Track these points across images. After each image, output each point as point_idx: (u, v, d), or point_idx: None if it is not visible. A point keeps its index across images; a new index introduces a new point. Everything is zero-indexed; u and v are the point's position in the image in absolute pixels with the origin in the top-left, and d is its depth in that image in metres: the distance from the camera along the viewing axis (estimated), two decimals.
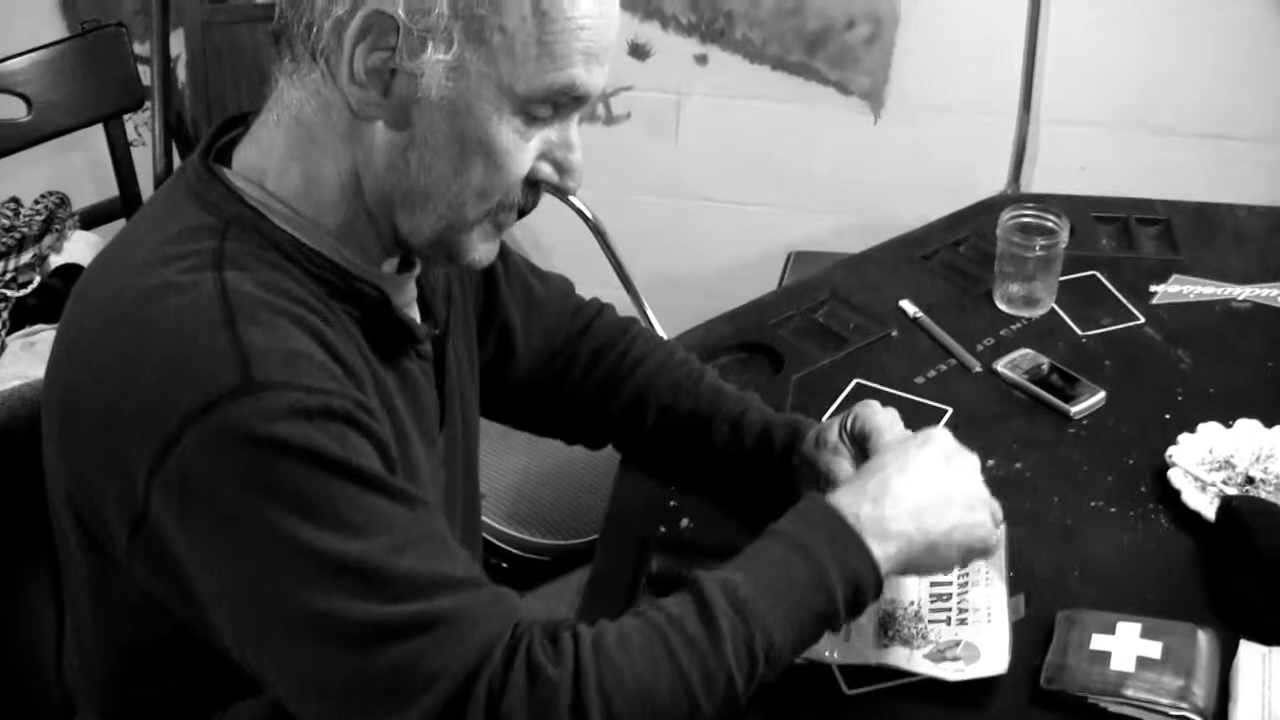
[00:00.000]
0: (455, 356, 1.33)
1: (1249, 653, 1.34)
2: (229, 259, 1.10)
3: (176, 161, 2.74)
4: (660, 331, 2.20)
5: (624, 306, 2.54)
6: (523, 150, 1.13)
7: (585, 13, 1.09)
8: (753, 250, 2.95)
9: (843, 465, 1.37)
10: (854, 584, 1.17)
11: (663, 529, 1.53)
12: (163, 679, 1.21)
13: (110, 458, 1.07)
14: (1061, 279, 1.90)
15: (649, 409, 1.50)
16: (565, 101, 1.13)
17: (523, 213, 1.18)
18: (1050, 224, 1.85)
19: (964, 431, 1.51)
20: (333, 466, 1.04)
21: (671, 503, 1.56)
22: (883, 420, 1.36)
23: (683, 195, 3.01)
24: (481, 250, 1.19)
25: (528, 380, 1.51)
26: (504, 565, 2.09)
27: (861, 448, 1.37)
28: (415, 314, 1.26)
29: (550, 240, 2.89)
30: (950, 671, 1.30)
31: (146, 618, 1.16)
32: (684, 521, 1.54)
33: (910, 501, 1.22)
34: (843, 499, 1.21)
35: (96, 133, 2.46)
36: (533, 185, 1.16)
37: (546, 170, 1.16)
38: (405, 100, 1.10)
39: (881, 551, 1.18)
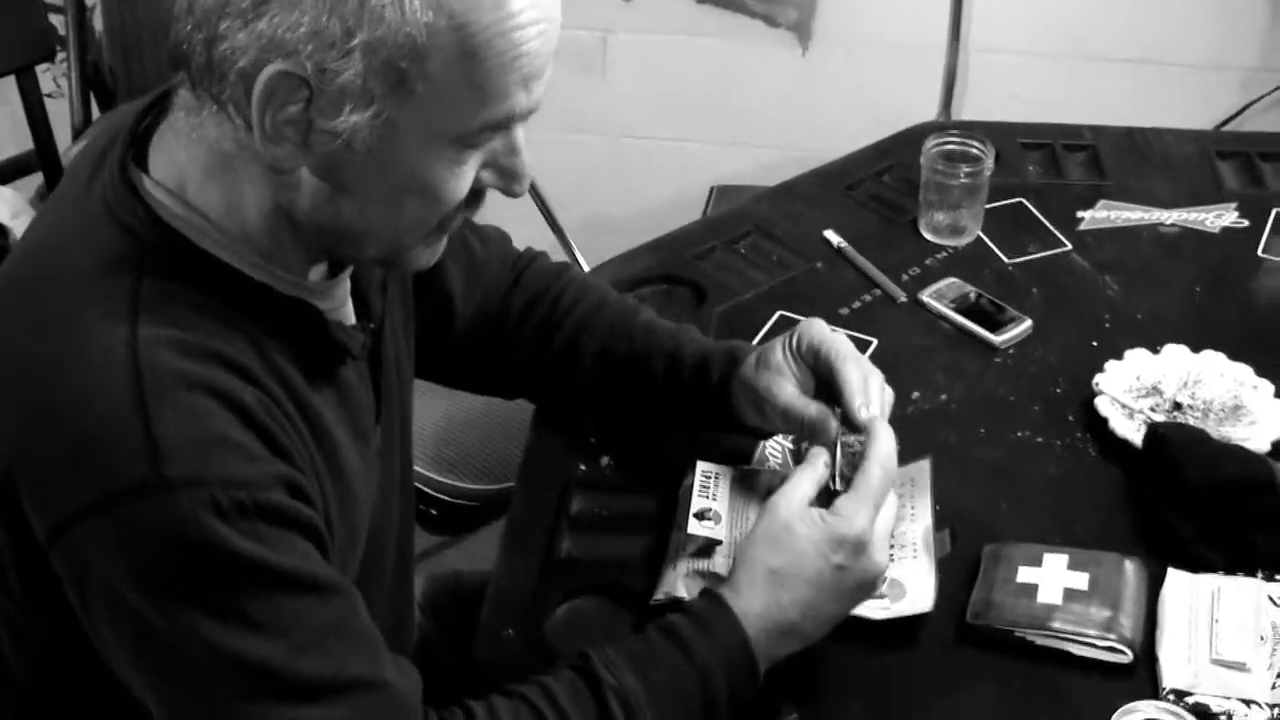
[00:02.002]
0: (391, 341, 1.26)
1: (1176, 581, 1.30)
2: (145, 305, 1.01)
3: (95, 113, 2.63)
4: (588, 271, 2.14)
5: (551, 248, 2.49)
6: (461, 178, 1.05)
7: (519, 42, 0.99)
8: (682, 187, 2.88)
9: (785, 387, 1.32)
10: (735, 701, 1.16)
11: (582, 468, 1.48)
12: (79, 690, 1.15)
13: (7, 497, 1.01)
14: (988, 207, 1.84)
15: (584, 356, 1.45)
16: (506, 125, 1.05)
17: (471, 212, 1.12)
18: (975, 151, 1.80)
19: (889, 363, 1.47)
20: (240, 565, 0.98)
21: (591, 439, 1.51)
22: (837, 339, 1.31)
23: (611, 133, 2.93)
24: (425, 257, 1.13)
25: (464, 340, 1.45)
26: (433, 512, 2.03)
27: (811, 365, 1.31)
28: (349, 313, 1.19)
29: None
30: (875, 610, 1.25)
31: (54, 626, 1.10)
32: (604, 459, 1.49)
33: (816, 616, 1.19)
34: (754, 625, 1.17)
35: (11, 84, 2.34)
36: (476, 192, 1.08)
37: (491, 179, 1.08)
38: (326, 154, 1.01)
39: (767, 664, 1.18)
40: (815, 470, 1.22)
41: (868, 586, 1.19)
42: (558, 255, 2.40)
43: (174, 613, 0.98)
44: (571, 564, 1.37)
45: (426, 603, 1.60)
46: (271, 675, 1.00)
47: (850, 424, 1.26)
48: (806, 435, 1.30)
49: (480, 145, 1.04)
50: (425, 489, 2.01)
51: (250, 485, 0.99)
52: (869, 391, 1.27)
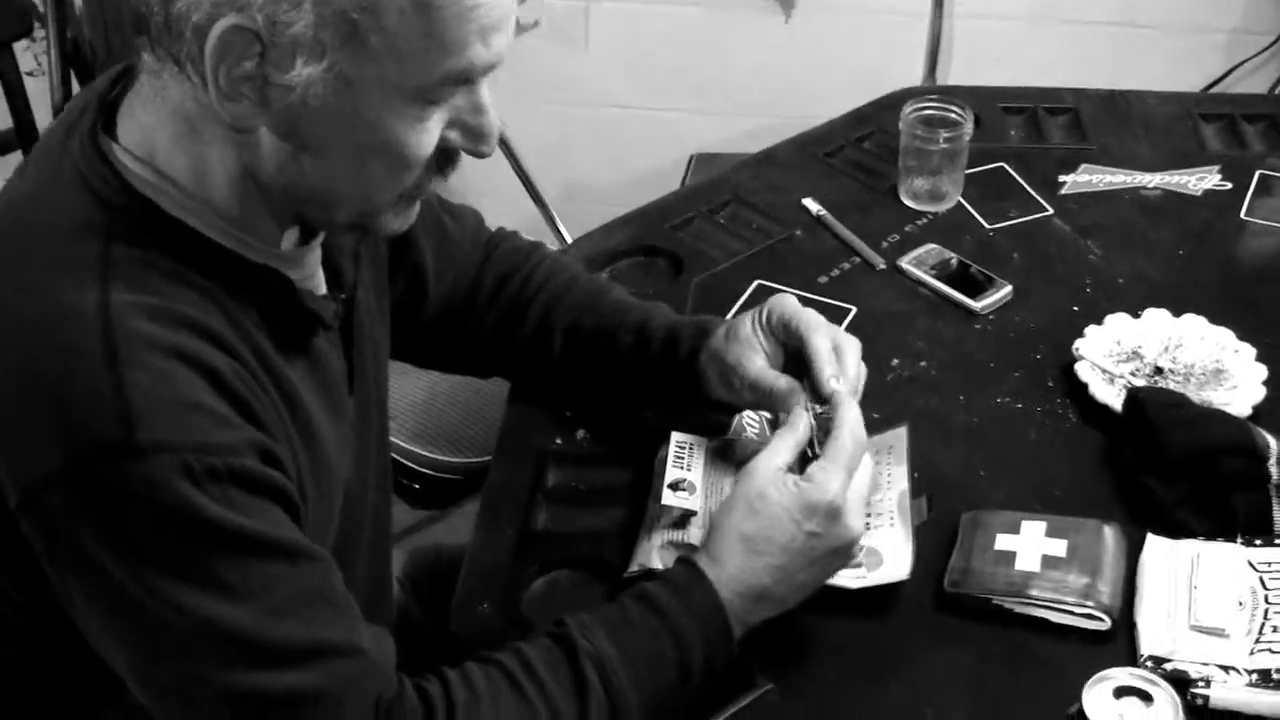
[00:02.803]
0: (365, 312, 1.25)
1: (1155, 548, 1.29)
2: (116, 270, 1.00)
3: (75, 90, 2.60)
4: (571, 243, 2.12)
5: (533, 218, 2.47)
6: (425, 134, 1.02)
7: None
8: (664, 156, 2.85)
9: (753, 359, 1.30)
10: (710, 666, 1.16)
11: (558, 441, 1.46)
12: (59, 664, 1.13)
13: None
14: (968, 172, 1.82)
15: (554, 333, 1.43)
16: (466, 79, 1.02)
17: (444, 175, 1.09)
18: (954, 116, 1.77)
19: (868, 330, 1.46)
20: (213, 530, 0.97)
21: (567, 413, 1.49)
22: (807, 311, 1.30)
23: (593, 103, 2.90)
24: (398, 222, 1.10)
25: (437, 319, 1.44)
26: (415, 486, 2.02)
27: (782, 340, 1.30)
28: (320, 282, 1.17)
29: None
30: (851, 579, 1.24)
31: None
32: (580, 433, 1.47)
33: (790, 581, 1.17)
34: (728, 587, 1.16)
35: None
36: (446, 153, 1.06)
37: (457, 139, 1.06)
38: (285, 110, 0.99)
39: (742, 629, 1.17)
40: (794, 436, 1.21)
41: (842, 553, 1.18)
42: (539, 226, 2.40)
43: (146, 578, 0.97)
44: (547, 537, 1.36)
45: (406, 576, 1.59)
46: (244, 641, 0.99)
47: (819, 395, 1.24)
48: (775, 408, 1.29)
49: (442, 101, 1.02)
50: (407, 463, 2.00)
51: (223, 451, 0.98)
52: (843, 362, 1.26)
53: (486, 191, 1.44)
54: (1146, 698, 0.99)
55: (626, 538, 1.32)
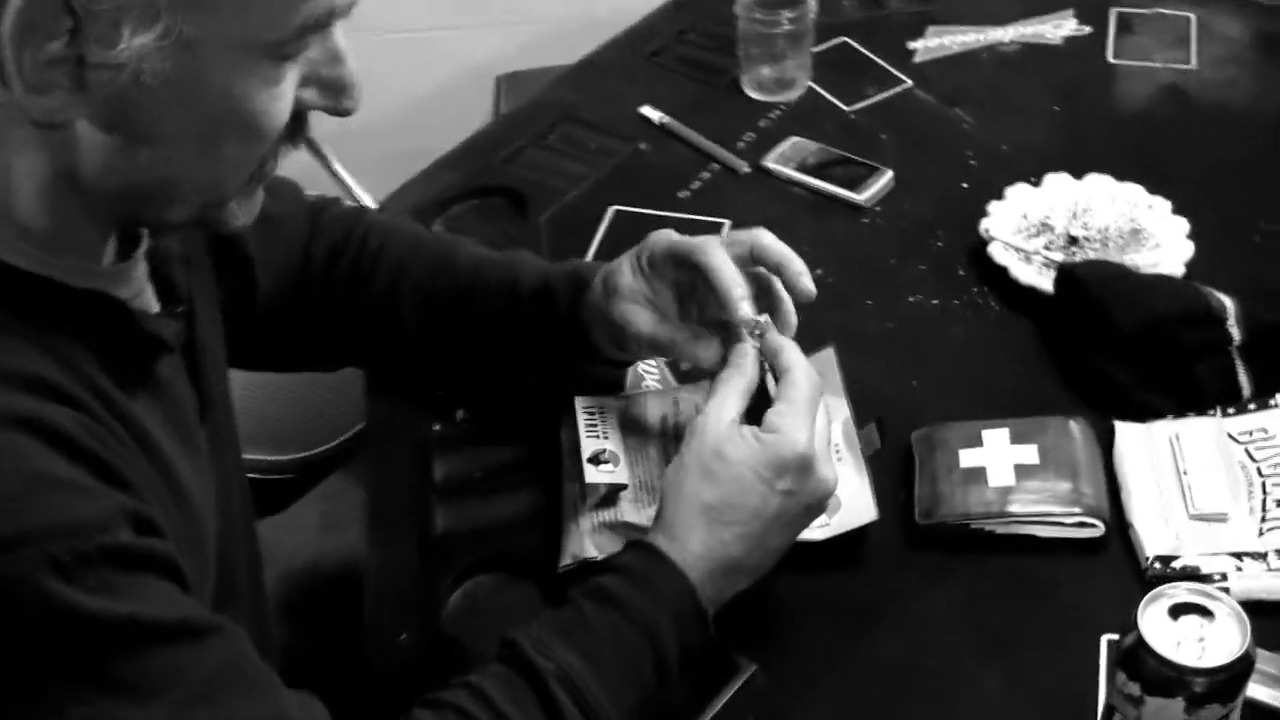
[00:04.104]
0: (203, 326, 1.13)
1: (1127, 436, 1.25)
2: None
3: None
4: (365, 199, 2.00)
5: (313, 172, 2.31)
6: (280, 98, 0.92)
7: None
8: (456, 81, 2.71)
9: (639, 314, 1.20)
10: (687, 657, 1.08)
11: (437, 427, 1.36)
12: None
13: None
14: (812, 52, 1.77)
15: (406, 306, 1.32)
16: (324, 24, 0.92)
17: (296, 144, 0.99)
18: None
19: None
20: (99, 628, 0.86)
21: (438, 392, 1.39)
22: (693, 238, 1.20)
23: (362, 30, 2.72)
24: (245, 211, 0.99)
25: (270, 314, 1.32)
26: None
27: (674, 278, 1.20)
28: (152, 299, 1.05)
29: None
30: (815, 531, 1.17)
31: None
32: (459, 413, 1.37)
33: (764, 548, 1.10)
34: (696, 568, 1.07)
35: None
36: (298, 117, 0.95)
37: (314, 97, 0.95)
38: (110, 95, 0.86)
39: (715, 610, 1.09)
40: (743, 379, 1.12)
41: (816, 508, 1.11)
42: (317, 176, 2.25)
43: (31, 695, 0.86)
44: (453, 540, 1.26)
45: (278, 610, 1.47)
46: None
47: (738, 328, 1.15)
48: (691, 360, 1.20)
49: (297, 56, 0.91)
50: None
51: (90, 529, 0.87)
52: (773, 254, 1.17)
53: None
54: (1205, 614, 0.94)
55: (545, 526, 1.24)
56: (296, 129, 0.96)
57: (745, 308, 1.14)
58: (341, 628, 1.39)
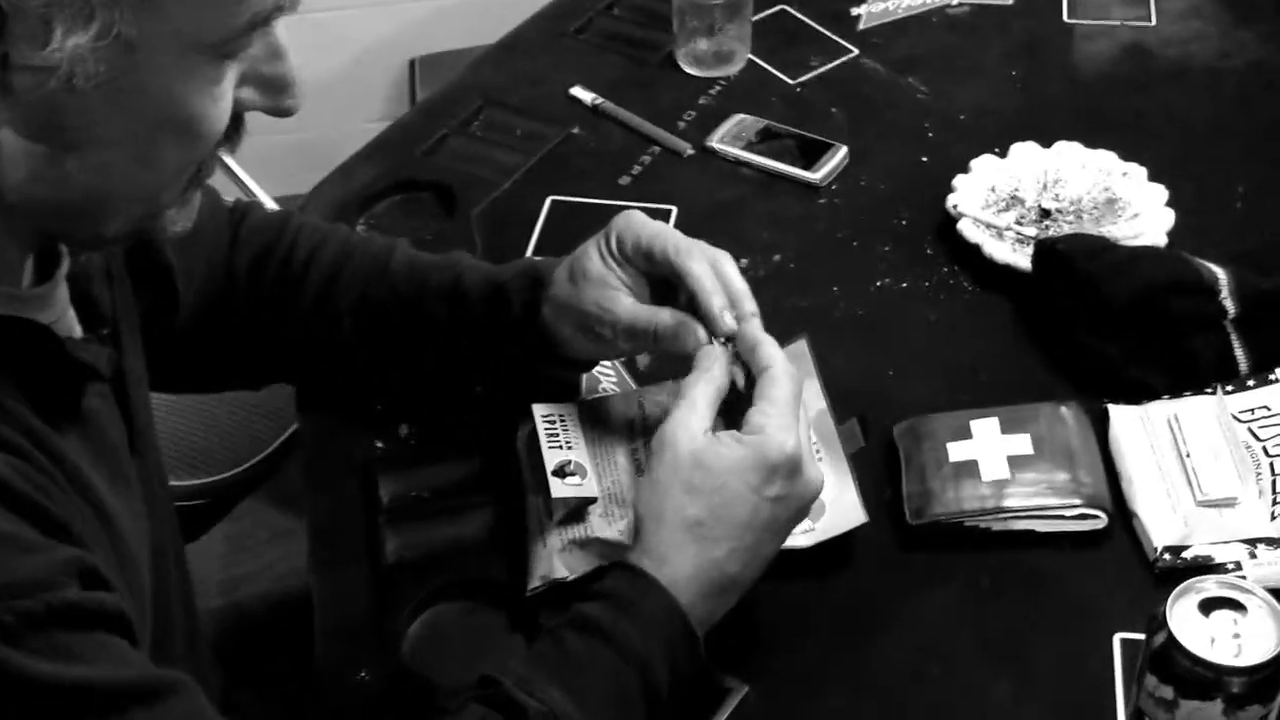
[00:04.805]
0: (128, 349, 1.11)
1: (1123, 419, 1.25)
2: None
3: None
4: (263, 197, 1.96)
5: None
6: (221, 99, 0.90)
7: None
8: (363, 65, 2.67)
9: (618, 299, 1.19)
10: (677, 685, 1.06)
11: (379, 445, 1.33)
12: None
13: None
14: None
15: (340, 316, 1.30)
16: (267, 20, 0.90)
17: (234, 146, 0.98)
18: None
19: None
20: (50, 695, 0.84)
21: (378, 407, 1.36)
22: (668, 230, 1.19)
23: None
24: (182, 217, 0.97)
25: (192, 329, 1.29)
26: None
27: (644, 269, 1.19)
28: (74, 322, 1.03)
29: None
30: (800, 537, 1.15)
31: None
32: (403, 428, 1.34)
33: (755, 561, 1.08)
34: (687, 591, 1.05)
35: None
36: (236, 119, 0.94)
37: (253, 97, 0.93)
38: (39, 101, 0.83)
39: (706, 629, 1.08)
40: (712, 383, 1.10)
41: (805, 511, 1.10)
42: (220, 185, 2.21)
43: None
44: (406, 568, 1.23)
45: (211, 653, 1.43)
46: None
47: (713, 333, 1.14)
48: (669, 349, 1.18)
49: (238, 54, 0.89)
50: None
51: (35, 587, 0.84)
52: (731, 288, 1.15)
53: None
54: (1238, 607, 0.94)
55: (507, 546, 1.22)
56: (235, 131, 0.95)
57: (728, 319, 1.13)
58: (285, 667, 1.36)
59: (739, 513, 1.05)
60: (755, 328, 1.13)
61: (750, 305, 1.15)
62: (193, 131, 0.89)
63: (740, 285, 1.16)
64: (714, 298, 1.13)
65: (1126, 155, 1.51)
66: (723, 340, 1.13)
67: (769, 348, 1.11)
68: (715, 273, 1.16)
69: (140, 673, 0.90)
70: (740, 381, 1.12)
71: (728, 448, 1.06)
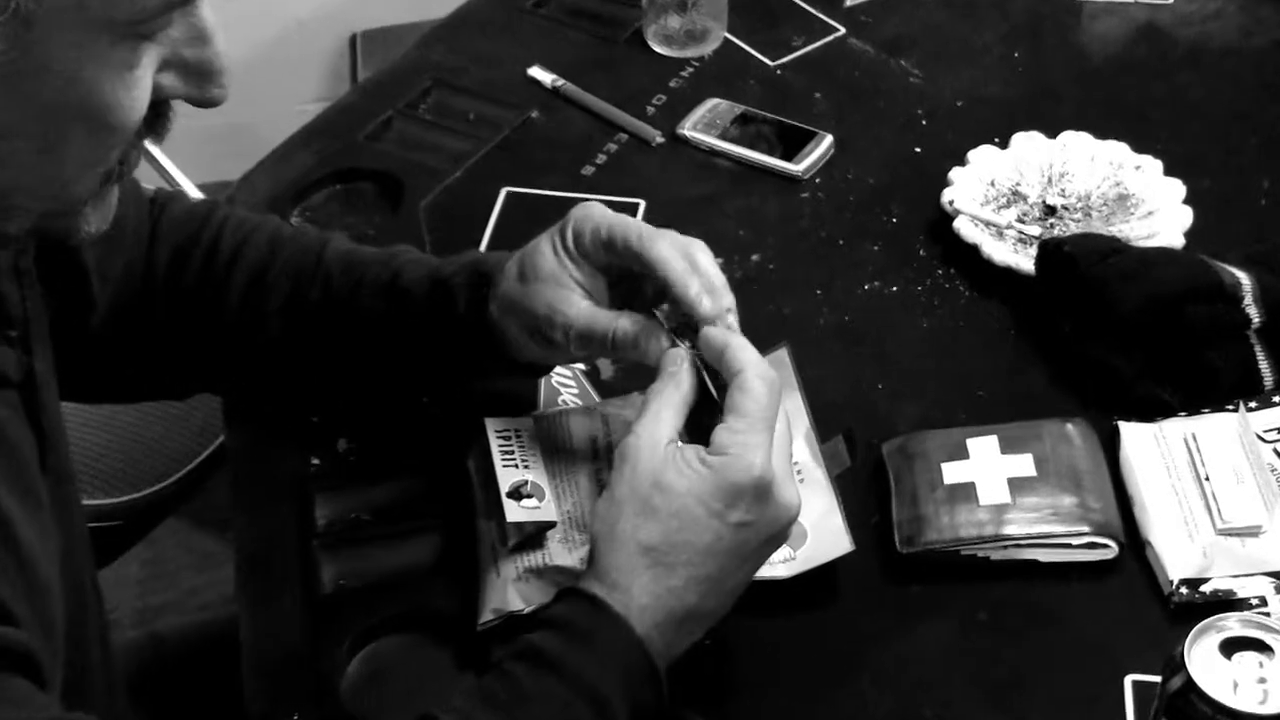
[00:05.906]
0: (38, 353, 1.12)
1: (1134, 438, 1.26)
2: None
3: None
4: (187, 185, 1.96)
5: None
6: (137, 85, 0.91)
7: None
8: (301, 41, 2.68)
9: (571, 300, 1.19)
10: (637, 715, 1.06)
11: (315, 462, 1.34)
12: None
13: None
14: None
15: (267, 315, 1.31)
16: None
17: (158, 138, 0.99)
18: None
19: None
20: None
21: (313, 419, 1.37)
22: (627, 218, 1.19)
23: None
24: (97, 216, 0.99)
25: (106, 332, 1.30)
26: None
27: (602, 265, 1.19)
28: None
29: None
30: (779, 567, 1.16)
31: None
32: (341, 443, 1.35)
33: (719, 591, 1.08)
34: (642, 620, 1.05)
35: None
36: (158, 107, 0.95)
37: (175, 84, 0.95)
38: None
39: (668, 662, 1.08)
40: (677, 392, 1.10)
41: (779, 538, 1.10)
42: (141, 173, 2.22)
43: None
44: (344, 598, 1.24)
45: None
46: None
47: (683, 328, 1.13)
48: (627, 357, 1.18)
49: (155, 35, 0.90)
50: None
51: None
52: (703, 275, 1.15)
53: None
54: (1264, 649, 0.94)
55: (457, 575, 1.22)
56: (157, 121, 0.96)
57: (707, 303, 1.12)
58: (208, 708, 1.36)
59: (698, 539, 1.05)
60: (732, 324, 1.13)
61: (728, 299, 1.14)
62: (103, 121, 0.90)
63: (717, 277, 1.15)
64: (689, 280, 1.13)
65: (1140, 147, 1.53)
66: (689, 345, 1.12)
67: (741, 351, 1.10)
68: (689, 263, 1.15)
69: (48, 716, 0.91)
70: (712, 387, 1.11)
71: (691, 467, 1.06)
